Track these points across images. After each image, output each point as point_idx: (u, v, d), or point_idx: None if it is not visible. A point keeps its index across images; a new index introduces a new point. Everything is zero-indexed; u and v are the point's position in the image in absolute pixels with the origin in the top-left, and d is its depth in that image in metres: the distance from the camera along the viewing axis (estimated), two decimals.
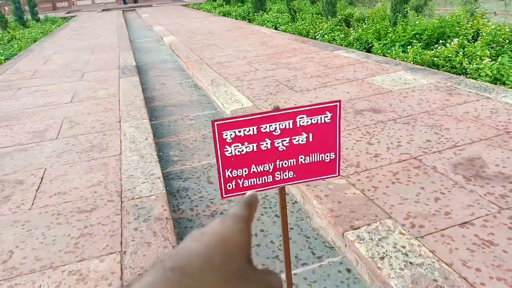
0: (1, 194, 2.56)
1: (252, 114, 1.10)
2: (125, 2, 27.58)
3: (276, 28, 9.12)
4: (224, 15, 13.34)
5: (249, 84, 4.57)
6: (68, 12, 23.36)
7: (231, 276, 0.26)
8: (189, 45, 7.74)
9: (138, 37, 11.03)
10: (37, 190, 2.58)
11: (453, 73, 4.51)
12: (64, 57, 7.80)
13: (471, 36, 5.44)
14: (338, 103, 1.16)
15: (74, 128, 3.70)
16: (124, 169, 2.78)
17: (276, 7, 11.84)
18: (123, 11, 21.66)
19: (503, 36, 4.99)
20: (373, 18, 7.18)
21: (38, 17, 16.60)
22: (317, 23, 7.98)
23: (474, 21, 6.02)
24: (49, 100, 4.73)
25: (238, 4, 14.24)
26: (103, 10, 23.41)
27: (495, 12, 9.38)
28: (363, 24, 7.33)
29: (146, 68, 6.76)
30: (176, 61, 7.14)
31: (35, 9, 16.48)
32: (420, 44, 5.34)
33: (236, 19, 12.05)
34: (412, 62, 4.90)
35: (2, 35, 11.32)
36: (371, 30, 6.25)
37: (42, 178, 2.74)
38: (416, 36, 5.68)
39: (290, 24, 8.87)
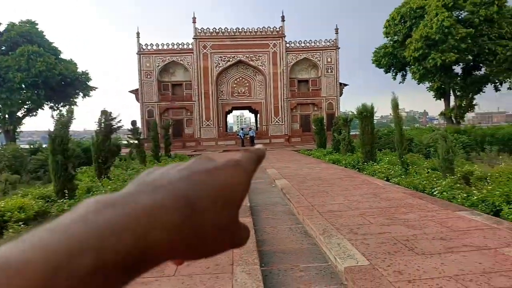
0: None
1: None
2: (242, 145, 31.22)
3: (388, 180, 9.09)
4: (333, 163, 13.97)
5: (363, 239, 4.44)
6: (195, 151, 27.24)
7: (226, 222, 0.28)
8: (300, 190, 8.11)
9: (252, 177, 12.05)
10: None
11: None
12: None
13: None
14: None
15: (190, 267, 3.92)
16: None
17: (387, 158, 12.01)
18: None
19: None
20: (498, 179, 6.72)
21: (170, 154, 19.68)
22: (434, 179, 7.75)
23: None
24: None
25: (348, 153, 14.90)
26: (224, 150, 26.74)
27: None
28: (486, 183, 6.87)
29: (258, 209, 7.16)
30: (287, 204, 7.45)
31: (169, 147, 19.75)
32: None
33: (345, 167, 12.48)
34: None
35: (139, 168, 13.43)
36: (498, 192, 5.79)
37: None
38: None
39: (403, 177, 8.79)
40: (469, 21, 28.44)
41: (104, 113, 11.38)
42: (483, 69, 30.96)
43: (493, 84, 31.32)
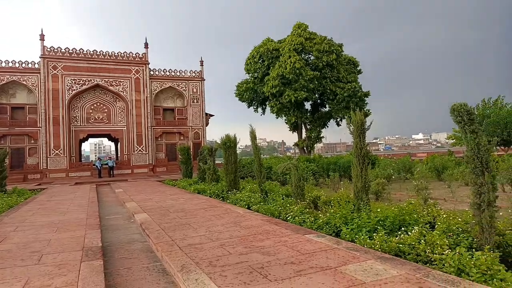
0: None
1: None
2: (99, 176, 28.54)
3: (249, 208, 9.48)
4: (199, 193, 13.92)
5: (221, 271, 4.41)
6: (39, 184, 23.61)
7: None
8: (161, 224, 7.74)
9: (108, 213, 11.02)
10: None
11: (419, 261, 4.62)
12: (24, 235, 7.37)
13: (428, 225, 5.81)
14: None
15: None
16: None
17: (249, 186, 12.59)
18: (96, 185, 22.25)
19: (456, 225, 5.36)
20: (338, 202, 7.69)
21: (5, 189, 16.55)
22: (288, 205, 8.41)
23: (429, 209, 6.55)
24: None
25: (213, 183, 15.09)
26: (76, 183, 23.96)
27: (444, 199, 10.34)
28: (330, 207, 7.79)
29: (112, 249, 6.50)
30: (146, 241, 6.99)
31: (4, 180, 16.64)
32: (385, 231, 5.60)
33: (210, 196, 12.57)
34: (380, 250, 5.03)
35: None
36: (338, 215, 6.60)
37: None
38: (380, 222, 6.01)
39: (262, 204, 9.28)
40: (315, 65, 33.08)
41: None
42: (327, 106, 36.05)
43: (335, 120, 36.65)
